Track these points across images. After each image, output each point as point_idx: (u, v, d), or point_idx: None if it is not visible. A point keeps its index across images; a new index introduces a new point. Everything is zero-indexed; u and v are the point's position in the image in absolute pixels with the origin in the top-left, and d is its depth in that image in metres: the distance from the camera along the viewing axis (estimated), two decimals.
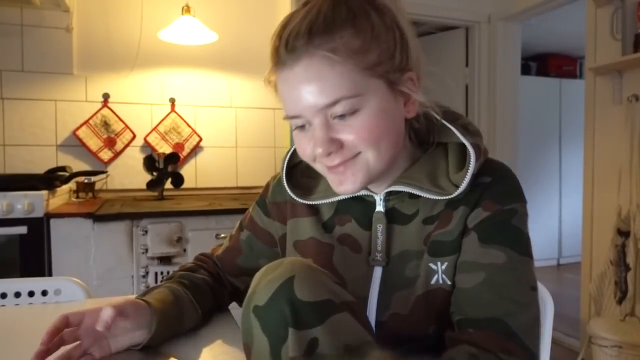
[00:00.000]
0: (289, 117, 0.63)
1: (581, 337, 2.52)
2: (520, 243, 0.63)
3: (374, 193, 0.70)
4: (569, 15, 3.36)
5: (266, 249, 0.81)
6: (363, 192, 0.70)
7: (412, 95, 0.64)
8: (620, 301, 2.19)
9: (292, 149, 0.76)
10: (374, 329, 0.64)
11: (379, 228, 0.68)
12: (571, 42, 4.35)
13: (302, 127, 0.63)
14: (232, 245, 0.84)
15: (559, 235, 4.67)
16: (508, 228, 0.63)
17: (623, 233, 2.19)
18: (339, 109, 0.59)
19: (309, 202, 0.74)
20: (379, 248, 0.68)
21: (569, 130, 4.60)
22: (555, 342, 2.77)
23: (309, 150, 0.63)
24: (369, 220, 0.70)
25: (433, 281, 0.65)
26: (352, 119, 0.60)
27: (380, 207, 0.69)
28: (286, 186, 0.75)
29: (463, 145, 0.65)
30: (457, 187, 0.63)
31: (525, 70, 4.46)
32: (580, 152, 2.62)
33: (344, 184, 0.64)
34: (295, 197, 0.74)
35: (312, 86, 0.58)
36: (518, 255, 0.62)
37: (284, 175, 0.76)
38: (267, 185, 0.83)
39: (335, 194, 0.70)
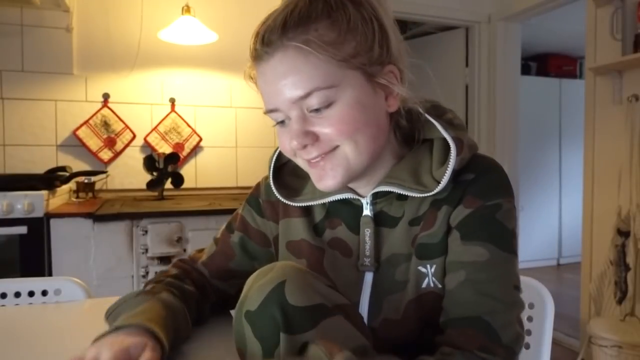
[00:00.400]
0: (268, 112, 0.63)
1: (581, 337, 2.52)
2: (503, 239, 0.61)
3: (361, 196, 0.68)
4: (569, 15, 3.36)
5: (260, 250, 0.78)
6: (350, 196, 0.68)
7: (393, 88, 0.63)
8: (620, 301, 2.19)
9: (279, 148, 0.75)
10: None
11: (367, 232, 0.67)
12: (571, 42, 4.35)
13: (282, 123, 0.63)
14: (221, 250, 0.80)
15: (559, 235, 4.67)
16: (491, 223, 0.61)
17: (623, 233, 2.19)
18: (313, 101, 0.58)
19: (295, 204, 0.72)
20: (368, 253, 0.67)
21: (569, 130, 4.60)
22: (555, 342, 2.76)
23: (288, 144, 0.62)
24: (358, 224, 0.69)
25: (424, 285, 0.63)
26: (328, 111, 0.59)
27: (367, 211, 0.67)
28: (273, 187, 0.73)
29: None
30: (439, 183, 0.62)
31: (525, 70, 4.45)
32: (580, 152, 2.62)
33: (323, 180, 0.63)
34: (281, 198, 0.73)
35: (287, 79, 0.58)
36: (501, 251, 0.60)
37: (270, 175, 0.75)
38: (258, 185, 0.80)
39: (322, 196, 0.69)
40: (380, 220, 0.68)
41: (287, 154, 0.65)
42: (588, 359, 2.18)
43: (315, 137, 0.60)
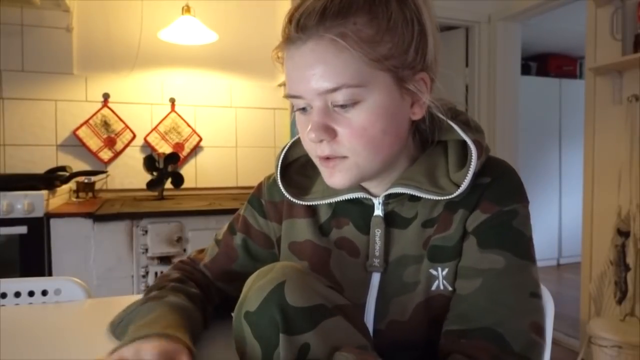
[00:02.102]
0: (290, 96, 0.61)
1: (581, 337, 2.52)
2: (521, 246, 0.60)
3: (373, 196, 0.67)
4: (569, 15, 3.35)
5: (263, 252, 0.77)
6: (361, 195, 0.67)
7: (421, 97, 0.61)
8: (620, 301, 2.19)
9: (287, 146, 0.74)
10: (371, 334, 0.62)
11: (377, 233, 0.66)
12: (571, 42, 4.35)
13: (303, 110, 0.61)
14: (224, 251, 0.79)
15: (559, 235, 4.67)
16: (508, 231, 0.61)
17: (623, 233, 2.19)
18: (339, 97, 0.57)
19: (304, 203, 0.70)
20: (377, 254, 0.66)
21: (569, 130, 4.60)
22: (555, 342, 2.76)
23: (306, 135, 0.60)
24: (367, 224, 0.67)
25: (434, 287, 0.63)
26: (352, 110, 0.58)
27: (378, 211, 0.66)
28: (280, 185, 0.71)
29: (463, 142, 0.62)
30: (458, 186, 0.60)
31: (525, 70, 4.45)
32: (580, 152, 2.62)
33: (333, 177, 0.62)
34: (289, 197, 0.71)
35: (316, 69, 0.56)
36: (518, 259, 0.60)
37: (278, 173, 0.72)
38: (260, 185, 0.79)
39: (331, 195, 0.68)
40: (391, 220, 0.66)
41: (305, 143, 0.64)
42: (588, 359, 2.18)
43: (333, 134, 0.59)
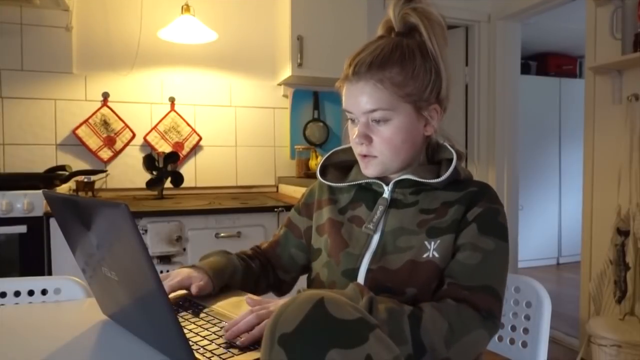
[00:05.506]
0: (346, 111, 0.88)
1: (580, 336, 2.52)
2: (504, 234, 0.83)
3: (385, 183, 0.90)
4: (569, 14, 3.36)
5: (295, 240, 1.03)
6: (376, 181, 0.90)
7: (431, 121, 0.87)
8: (619, 300, 2.19)
9: (333, 151, 1.00)
10: (364, 276, 0.84)
11: (380, 208, 0.89)
12: (571, 41, 4.36)
13: (353, 121, 0.88)
14: (274, 240, 1.07)
15: (558, 234, 4.67)
16: (497, 221, 0.84)
17: (622, 232, 2.19)
18: (376, 115, 0.84)
19: (336, 185, 0.96)
20: (374, 220, 0.88)
21: (568, 130, 4.61)
22: (554, 342, 2.76)
23: (352, 138, 0.89)
24: (375, 205, 0.89)
25: (424, 255, 0.81)
26: (384, 126, 0.85)
27: (386, 195, 0.90)
28: (320, 178, 0.99)
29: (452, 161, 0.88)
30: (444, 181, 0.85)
31: (525, 69, 4.45)
32: (580, 152, 2.62)
33: (367, 168, 0.89)
34: (327, 183, 0.97)
35: (363, 98, 0.84)
36: (503, 242, 0.82)
37: (318, 172, 1.00)
38: (302, 195, 1.07)
39: (356, 179, 0.93)
40: (393, 203, 0.89)
41: (352, 144, 0.90)
42: (587, 358, 2.18)
43: (369, 140, 0.86)
